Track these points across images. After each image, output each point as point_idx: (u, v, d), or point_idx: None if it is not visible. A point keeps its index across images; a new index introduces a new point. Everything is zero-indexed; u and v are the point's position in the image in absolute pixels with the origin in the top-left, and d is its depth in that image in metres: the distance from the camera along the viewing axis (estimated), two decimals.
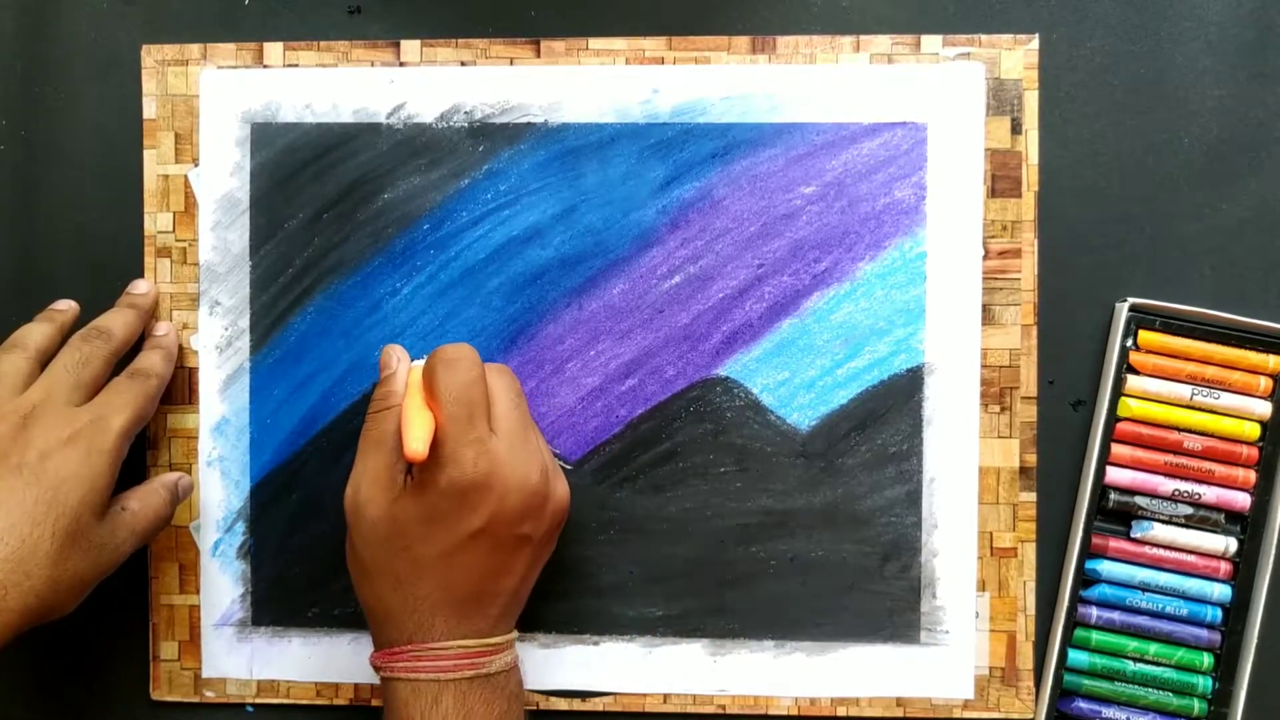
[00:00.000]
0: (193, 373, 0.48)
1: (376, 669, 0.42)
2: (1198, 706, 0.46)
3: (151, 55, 0.48)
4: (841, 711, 0.48)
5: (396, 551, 0.40)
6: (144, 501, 0.43)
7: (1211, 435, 0.46)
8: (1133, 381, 0.47)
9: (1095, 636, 0.47)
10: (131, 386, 0.43)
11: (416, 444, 0.39)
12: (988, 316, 0.47)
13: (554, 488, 0.42)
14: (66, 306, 0.46)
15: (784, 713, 0.48)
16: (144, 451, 0.48)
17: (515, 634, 0.43)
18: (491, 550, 0.41)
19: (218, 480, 0.48)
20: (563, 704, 0.48)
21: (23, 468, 0.39)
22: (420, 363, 0.43)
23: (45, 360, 0.43)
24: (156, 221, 0.48)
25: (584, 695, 0.48)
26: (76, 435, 0.40)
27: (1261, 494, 0.46)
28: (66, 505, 0.39)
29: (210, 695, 0.49)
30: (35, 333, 0.44)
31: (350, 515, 0.41)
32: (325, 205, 0.48)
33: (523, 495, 0.40)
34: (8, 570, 0.37)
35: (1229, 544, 0.46)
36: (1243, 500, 0.46)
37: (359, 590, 0.42)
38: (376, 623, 0.42)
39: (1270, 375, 0.46)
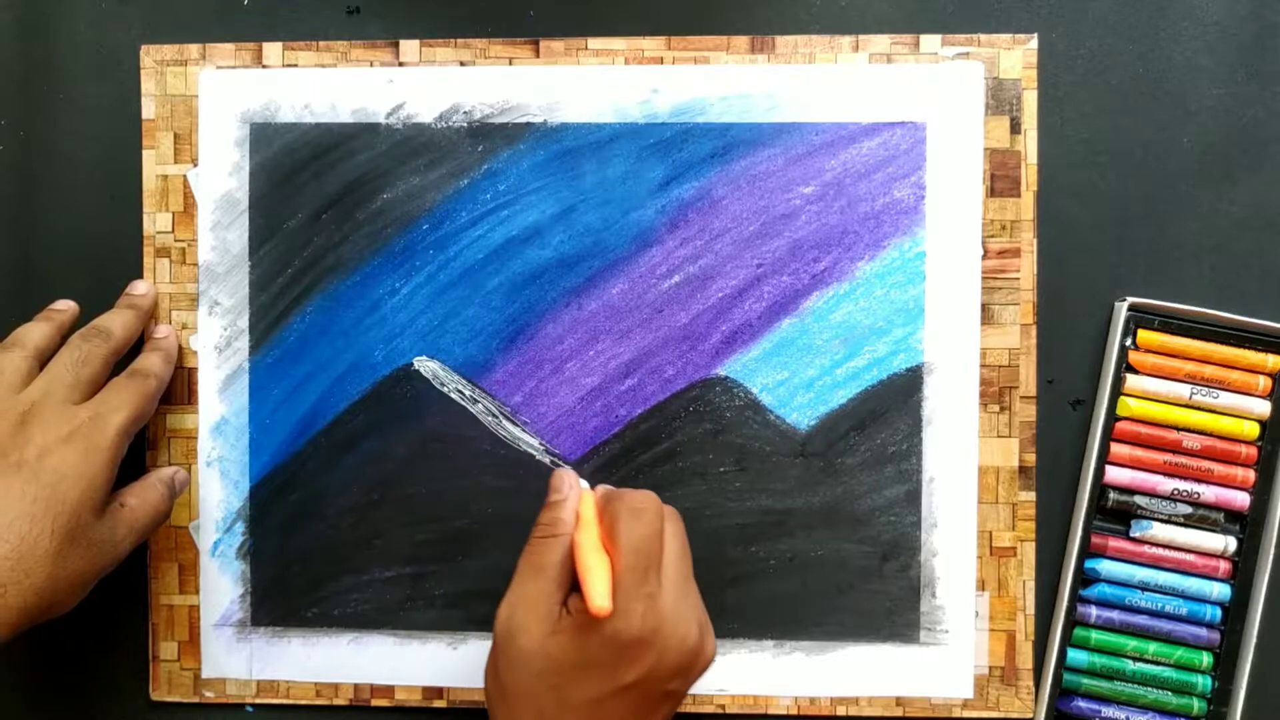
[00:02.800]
0: (192, 373, 0.48)
1: None
2: (1197, 705, 0.46)
3: (150, 55, 0.48)
4: (841, 711, 0.48)
5: (546, 688, 0.39)
6: (141, 497, 0.43)
7: (1211, 434, 0.46)
8: (1132, 381, 0.47)
9: (1094, 636, 0.47)
10: (130, 385, 0.43)
11: (602, 600, 0.37)
12: (987, 316, 0.47)
13: (706, 646, 0.41)
14: (66, 306, 0.46)
15: (783, 712, 0.48)
16: (143, 452, 0.48)
17: None
18: (639, 703, 0.39)
19: (217, 480, 0.48)
20: None
21: (22, 465, 0.39)
22: (589, 490, 0.42)
23: (44, 359, 0.43)
24: (155, 222, 0.48)
25: None
26: (75, 433, 0.40)
27: (1260, 493, 0.47)
28: (65, 503, 0.39)
29: (210, 695, 0.49)
30: (34, 332, 0.44)
31: (501, 638, 0.40)
32: (324, 205, 0.48)
33: (680, 655, 0.39)
34: (7, 568, 0.37)
35: (1228, 543, 0.46)
36: (1242, 499, 0.46)
37: (493, 711, 0.41)
38: None
39: (1269, 374, 0.46)
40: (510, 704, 0.39)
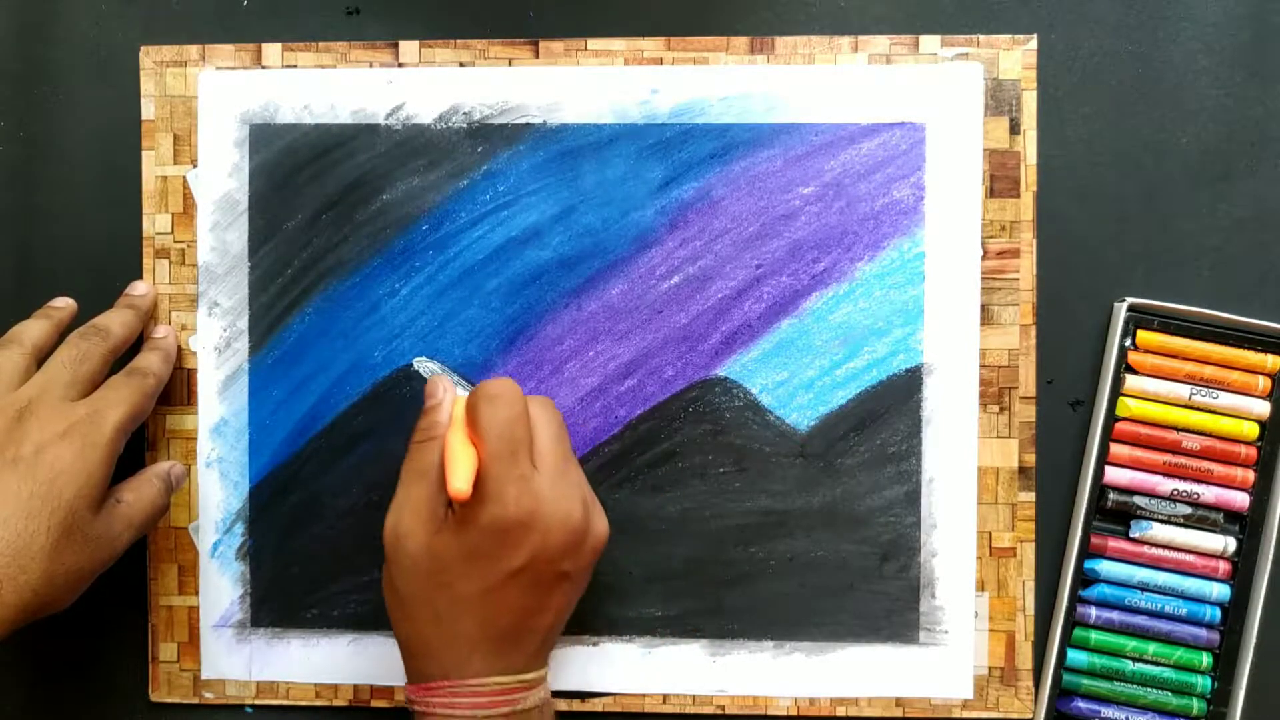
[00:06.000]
0: (191, 374, 0.48)
1: (411, 703, 0.41)
2: (1196, 706, 0.46)
3: (150, 56, 0.48)
4: (841, 711, 0.48)
5: (436, 587, 0.40)
6: (138, 493, 0.43)
7: (1210, 435, 0.46)
8: (1131, 381, 0.47)
9: (1094, 636, 0.47)
10: (129, 383, 0.43)
11: (460, 482, 0.38)
12: (986, 316, 0.47)
13: (593, 523, 0.41)
14: (64, 304, 0.46)
15: (783, 713, 0.48)
16: (143, 453, 0.48)
17: (547, 669, 0.43)
18: (531, 587, 0.40)
19: (216, 481, 0.48)
20: (563, 704, 0.48)
21: (18, 462, 0.39)
22: (464, 394, 0.43)
23: (41, 357, 0.43)
24: (155, 223, 0.48)
25: (584, 696, 0.48)
26: (72, 429, 0.40)
27: (1260, 493, 0.46)
28: (62, 499, 0.39)
29: (209, 696, 0.49)
30: (32, 329, 0.44)
31: (389, 546, 0.41)
32: (324, 206, 0.48)
33: (564, 533, 0.40)
34: (3, 565, 0.37)
35: (1228, 543, 0.46)
36: (1241, 500, 0.46)
37: (395, 622, 0.41)
38: (412, 656, 0.41)
39: (1269, 375, 0.46)
40: (407, 609, 0.40)
